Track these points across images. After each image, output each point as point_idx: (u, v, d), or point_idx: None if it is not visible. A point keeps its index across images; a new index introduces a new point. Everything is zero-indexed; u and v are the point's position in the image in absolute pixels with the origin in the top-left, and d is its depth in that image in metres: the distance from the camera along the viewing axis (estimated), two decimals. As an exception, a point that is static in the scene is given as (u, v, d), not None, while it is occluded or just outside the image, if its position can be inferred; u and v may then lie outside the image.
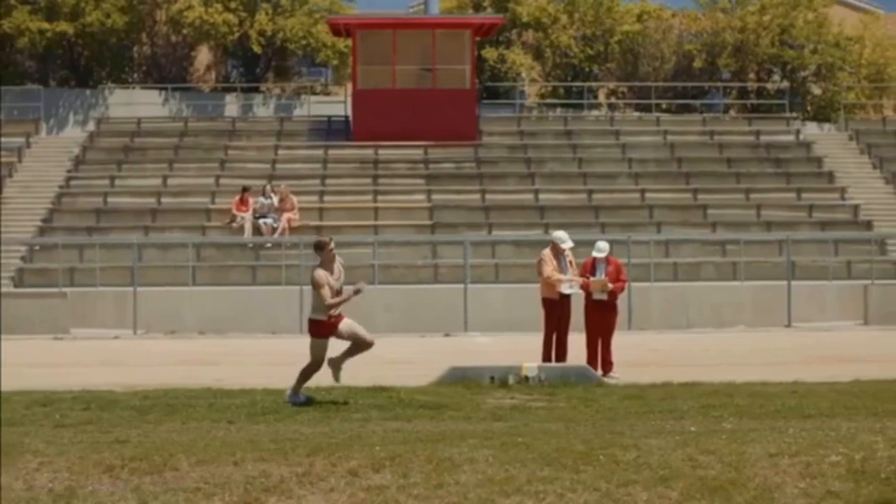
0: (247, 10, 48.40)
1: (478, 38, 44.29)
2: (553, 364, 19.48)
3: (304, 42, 48.30)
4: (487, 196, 37.29)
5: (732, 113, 49.04)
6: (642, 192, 37.56)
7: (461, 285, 31.67)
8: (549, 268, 20.13)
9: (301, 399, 16.49)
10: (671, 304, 32.00)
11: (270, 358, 24.72)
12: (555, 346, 20.23)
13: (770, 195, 37.72)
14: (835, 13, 54.45)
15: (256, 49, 48.63)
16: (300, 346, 27.33)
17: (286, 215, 34.80)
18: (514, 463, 10.50)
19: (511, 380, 18.36)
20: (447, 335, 29.65)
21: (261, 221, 34.71)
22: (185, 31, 48.98)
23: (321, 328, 16.57)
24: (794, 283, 32.34)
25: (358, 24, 41.75)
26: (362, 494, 9.60)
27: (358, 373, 20.21)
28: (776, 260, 33.47)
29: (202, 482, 10.13)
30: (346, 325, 16.55)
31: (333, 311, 16.34)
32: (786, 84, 50.41)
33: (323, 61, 49.67)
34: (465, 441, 11.95)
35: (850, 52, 51.36)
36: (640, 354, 24.35)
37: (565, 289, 20.16)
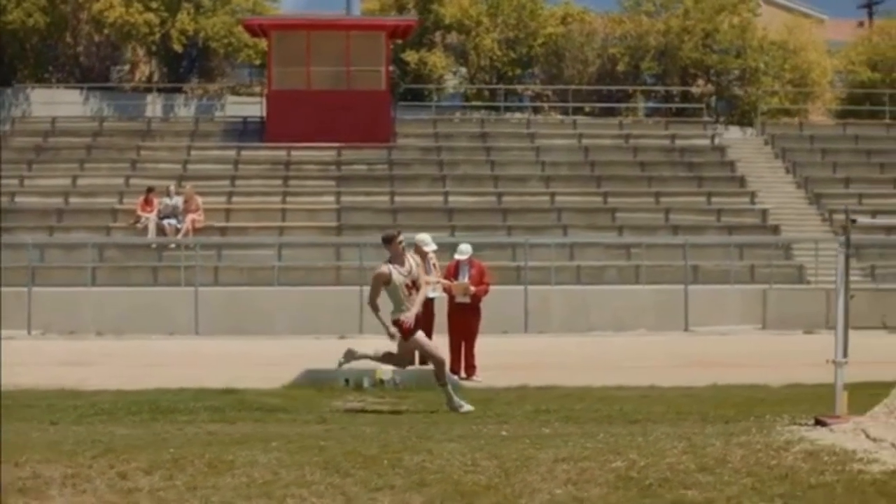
0: (168, 9, 48.11)
1: (398, 41, 44.33)
2: (409, 367, 19.36)
3: (225, 41, 48.04)
4: (397, 198, 37.23)
5: (657, 117, 49.06)
6: (552, 195, 37.56)
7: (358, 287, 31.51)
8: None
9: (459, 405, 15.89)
10: (572, 308, 31.97)
11: (153, 359, 24.57)
12: (418, 348, 20.12)
13: (680, 199, 37.83)
14: (776, 17, 54.73)
15: (177, 48, 48.35)
16: (192, 347, 27.51)
17: (190, 216, 34.64)
18: (291, 466, 10.40)
19: (366, 383, 18.30)
20: (342, 337, 29.51)
21: (165, 222, 34.53)
22: (106, 31, 48.61)
23: (407, 325, 15.94)
24: (695, 287, 32.43)
25: (272, 25, 41.68)
26: (113, 497, 9.45)
27: (220, 373, 20.19)
28: (680, 264, 33.49)
29: (-31, 484, 9.99)
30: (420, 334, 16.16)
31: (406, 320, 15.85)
32: (709, 88, 50.64)
33: (244, 61, 49.37)
34: (265, 444, 11.86)
35: (774, 56, 51.48)
36: (521, 358, 24.33)
37: (428, 292, 20.05)
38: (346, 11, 45.13)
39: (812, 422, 13.95)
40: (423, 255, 20.19)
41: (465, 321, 20.07)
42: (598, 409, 15.88)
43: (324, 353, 25.15)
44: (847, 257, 14.43)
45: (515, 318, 30.35)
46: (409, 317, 15.88)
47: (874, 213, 37.59)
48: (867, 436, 12.27)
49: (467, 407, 15.78)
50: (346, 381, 18.25)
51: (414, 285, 15.98)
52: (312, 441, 12.18)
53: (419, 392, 17.79)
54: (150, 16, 47.44)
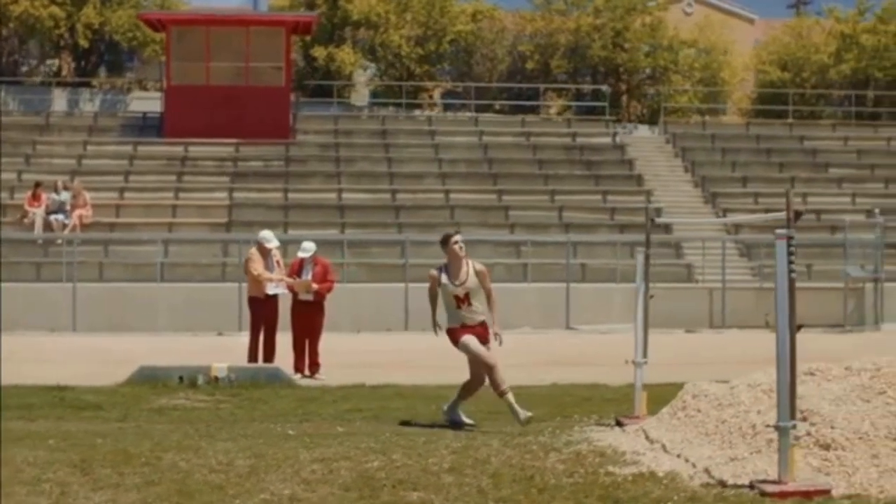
0: (74, 3, 47.75)
1: (302, 37, 44.20)
2: (245, 365, 19.31)
3: (129, 35, 47.68)
4: (291, 195, 37.11)
5: (568, 114, 49.11)
6: (447, 192, 37.55)
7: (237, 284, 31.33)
8: (259, 266, 20.02)
9: (457, 418, 14.39)
10: (457, 306, 31.84)
11: (17, 356, 24.18)
12: (262, 346, 20.10)
13: (576, 197, 37.88)
14: (707, 16, 55.04)
15: (83, 43, 48.03)
16: (65, 344, 27.25)
17: (78, 212, 34.39)
18: (42, 464, 10.33)
19: (200, 380, 18.14)
20: (220, 334, 29.41)
21: (52, 218, 34.28)
22: (11, 25, 48.23)
23: (457, 336, 14.51)
24: (580, 285, 32.56)
25: (171, 20, 41.41)
26: None
27: (69, 370, 20.05)
28: (566, 262, 33.52)
29: None
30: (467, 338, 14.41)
31: (467, 322, 14.37)
32: (621, 86, 50.81)
33: (151, 55, 49.05)
34: (41, 441, 11.81)
35: (685, 55, 51.68)
36: (386, 356, 24.24)
37: (271, 289, 20.06)
38: (254, 6, 45.03)
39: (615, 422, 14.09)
40: (267, 252, 20.19)
41: (308, 319, 19.99)
42: (413, 407, 15.88)
43: (202, 349, 25.12)
44: (647, 257, 14.53)
45: (397, 316, 30.28)
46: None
47: (768, 212, 37.72)
48: (647, 437, 12.31)
49: (525, 413, 14.06)
50: (181, 378, 18.11)
51: (466, 298, 14.30)
52: (91, 439, 12.13)
53: (252, 390, 17.70)
54: (56, 9, 47.07)
